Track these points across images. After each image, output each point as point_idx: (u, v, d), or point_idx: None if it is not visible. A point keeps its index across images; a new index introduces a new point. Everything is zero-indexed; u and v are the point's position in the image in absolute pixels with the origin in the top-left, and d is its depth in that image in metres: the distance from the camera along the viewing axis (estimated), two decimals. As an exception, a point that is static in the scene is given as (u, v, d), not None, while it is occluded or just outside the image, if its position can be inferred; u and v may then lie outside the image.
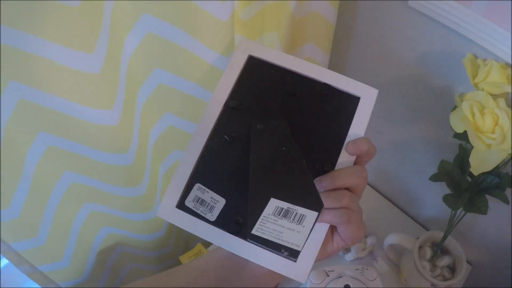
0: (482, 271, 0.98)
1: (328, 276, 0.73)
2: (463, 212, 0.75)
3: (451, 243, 0.87)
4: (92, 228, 0.80)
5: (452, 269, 0.88)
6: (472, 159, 0.65)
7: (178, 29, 0.61)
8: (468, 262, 0.97)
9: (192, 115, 0.76)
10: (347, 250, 0.89)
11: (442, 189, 0.75)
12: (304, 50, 0.84)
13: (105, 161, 0.65)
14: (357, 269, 0.74)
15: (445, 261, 0.86)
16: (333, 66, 0.93)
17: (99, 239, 0.83)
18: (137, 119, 0.68)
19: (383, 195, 1.08)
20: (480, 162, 0.65)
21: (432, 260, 0.87)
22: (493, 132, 0.63)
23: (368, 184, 1.09)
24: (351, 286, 0.71)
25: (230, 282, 0.52)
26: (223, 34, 0.62)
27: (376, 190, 1.09)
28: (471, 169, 0.66)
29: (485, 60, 0.67)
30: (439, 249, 0.87)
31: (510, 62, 0.66)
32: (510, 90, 0.65)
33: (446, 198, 0.73)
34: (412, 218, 1.04)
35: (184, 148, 0.81)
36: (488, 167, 0.65)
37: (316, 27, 0.79)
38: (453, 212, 0.78)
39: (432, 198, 0.95)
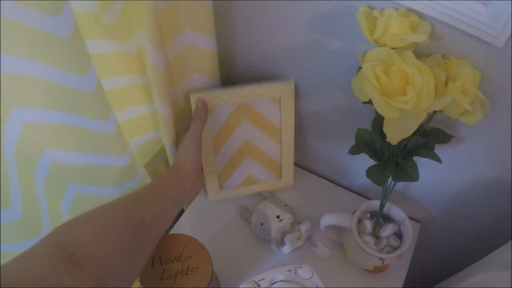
0: (431, 225, 0.93)
1: (259, 285, 0.64)
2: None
3: (391, 209, 0.80)
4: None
5: (399, 235, 0.81)
6: (387, 129, 0.56)
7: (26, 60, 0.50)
8: (415, 219, 0.92)
9: (95, 180, 0.73)
10: (281, 243, 0.80)
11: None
12: (185, 38, 0.73)
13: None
14: (289, 270, 0.65)
15: (388, 230, 0.79)
16: (222, 48, 0.82)
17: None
18: (43, 202, 0.68)
19: (312, 172, 1.00)
20: (397, 130, 0.56)
21: (375, 232, 0.80)
22: (404, 94, 0.54)
23: (295, 164, 1.00)
24: (286, 291, 0.63)
25: None
26: (71, 51, 0.51)
27: (304, 168, 1.00)
28: (388, 139, 0.57)
29: (382, 10, 0.57)
30: (380, 218, 0.80)
31: (411, 7, 0.57)
32: (416, 40, 0.56)
33: (370, 173, 0.64)
34: (347, 188, 0.96)
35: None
36: (407, 133, 0.57)
37: (191, 11, 0.69)
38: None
39: (362, 165, 0.88)
